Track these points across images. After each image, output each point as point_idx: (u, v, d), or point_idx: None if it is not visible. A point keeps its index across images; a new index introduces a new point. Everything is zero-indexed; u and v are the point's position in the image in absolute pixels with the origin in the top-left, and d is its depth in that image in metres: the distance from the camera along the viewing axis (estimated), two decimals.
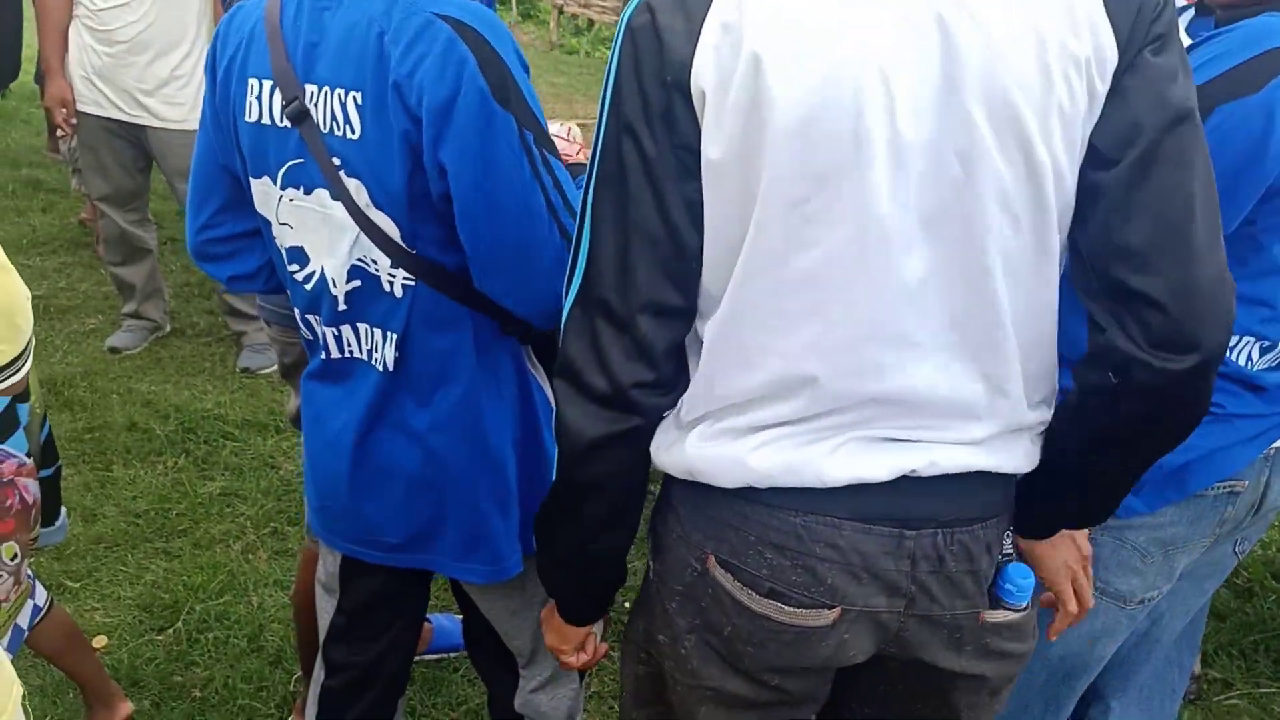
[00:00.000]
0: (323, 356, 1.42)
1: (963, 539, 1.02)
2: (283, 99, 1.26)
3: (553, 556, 1.15)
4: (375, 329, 1.34)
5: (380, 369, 1.36)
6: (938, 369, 0.98)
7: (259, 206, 1.38)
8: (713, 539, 1.04)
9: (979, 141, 0.89)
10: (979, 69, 0.88)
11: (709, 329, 1.00)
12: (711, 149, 0.92)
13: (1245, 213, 1.29)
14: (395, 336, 1.33)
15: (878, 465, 0.99)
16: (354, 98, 1.22)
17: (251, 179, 1.37)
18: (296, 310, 1.44)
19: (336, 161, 1.25)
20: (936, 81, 0.88)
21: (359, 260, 1.30)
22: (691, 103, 0.92)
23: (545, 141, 1.23)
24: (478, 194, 1.20)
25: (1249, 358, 1.40)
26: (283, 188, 1.32)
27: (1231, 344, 1.38)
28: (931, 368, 0.97)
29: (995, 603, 1.06)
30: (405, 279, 1.29)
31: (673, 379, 1.03)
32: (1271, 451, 1.45)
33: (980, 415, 1.00)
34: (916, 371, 0.97)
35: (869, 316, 0.95)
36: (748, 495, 1.02)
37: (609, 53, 1.00)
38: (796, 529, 1.00)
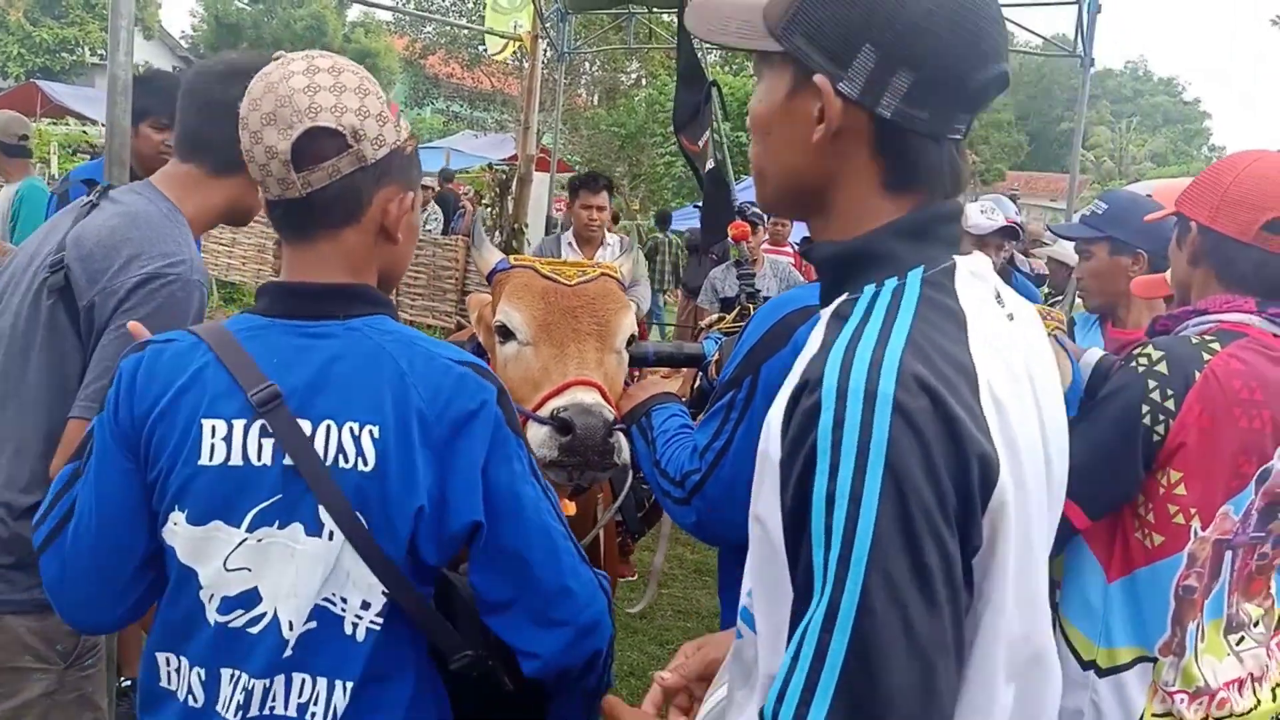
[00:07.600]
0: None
1: None
2: (275, 436, 1.23)
3: None
4: (320, 678, 1.25)
5: None
6: None
7: (184, 557, 1.26)
8: None
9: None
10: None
11: None
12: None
13: None
14: (350, 685, 1.25)
15: None
16: (369, 431, 1.22)
17: (187, 525, 1.26)
18: (199, 670, 1.26)
19: (341, 494, 1.22)
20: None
21: (326, 599, 1.24)
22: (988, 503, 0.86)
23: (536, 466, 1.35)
24: (503, 512, 1.26)
25: None
26: (250, 529, 1.24)
27: None
28: None
29: None
30: (373, 621, 1.25)
31: None
32: None
33: None
34: None
35: None
36: None
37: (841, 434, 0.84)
38: None
